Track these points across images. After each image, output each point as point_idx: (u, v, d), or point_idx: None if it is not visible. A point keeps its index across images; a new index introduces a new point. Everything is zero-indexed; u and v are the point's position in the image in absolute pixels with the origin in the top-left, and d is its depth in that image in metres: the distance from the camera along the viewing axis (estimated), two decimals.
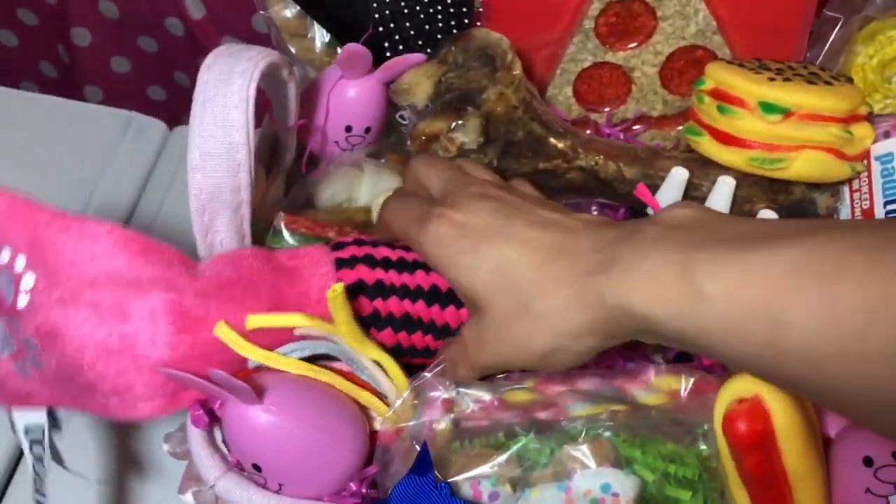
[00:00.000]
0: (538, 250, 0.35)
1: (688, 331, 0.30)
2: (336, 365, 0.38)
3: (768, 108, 0.43)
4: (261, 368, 0.35)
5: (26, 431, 0.36)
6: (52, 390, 0.36)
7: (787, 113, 0.43)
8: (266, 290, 0.35)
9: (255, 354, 0.35)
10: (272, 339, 0.36)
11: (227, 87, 0.35)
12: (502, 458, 0.35)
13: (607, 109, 0.53)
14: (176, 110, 0.88)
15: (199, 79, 0.36)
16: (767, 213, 0.45)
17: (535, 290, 0.34)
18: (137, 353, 0.33)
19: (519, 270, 0.35)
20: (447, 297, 0.40)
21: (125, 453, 0.50)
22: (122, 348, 0.33)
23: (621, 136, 0.53)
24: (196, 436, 0.36)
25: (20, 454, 0.49)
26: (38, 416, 0.37)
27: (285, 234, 0.41)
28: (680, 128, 0.51)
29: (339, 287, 0.34)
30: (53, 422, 0.37)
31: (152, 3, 0.86)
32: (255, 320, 0.35)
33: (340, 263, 0.38)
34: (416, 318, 0.39)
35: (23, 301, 0.34)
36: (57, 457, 0.38)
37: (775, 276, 0.28)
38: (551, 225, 0.36)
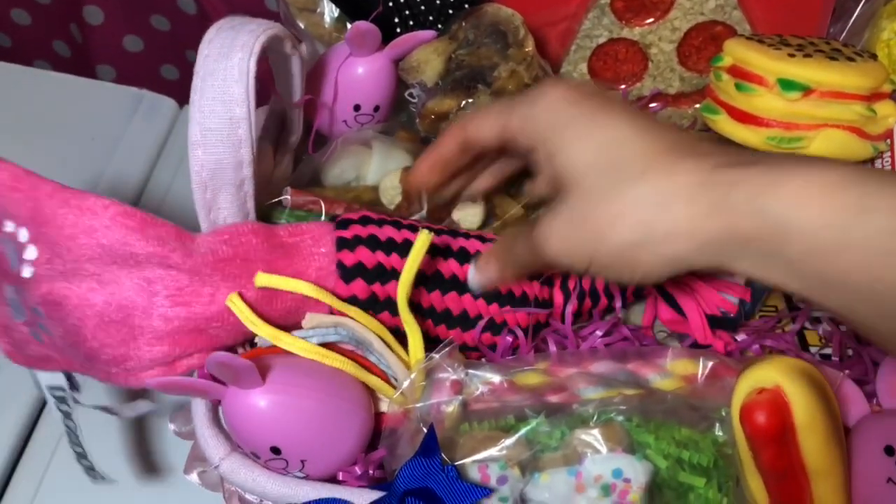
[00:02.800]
0: (660, 138, 0.32)
1: (829, 245, 0.27)
2: (345, 347, 0.37)
3: (788, 85, 0.42)
4: (260, 356, 0.35)
5: (51, 391, 0.38)
6: (64, 356, 0.37)
7: (807, 90, 0.42)
8: (261, 267, 0.35)
9: (263, 330, 0.35)
10: (277, 322, 0.36)
11: (227, 60, 0.34)
12: (511, 440, 0.34)
13: (623, 87, 0.52)
14: (189, 89, 0.87)
15: (199, 52, 0.35)
16: None
17: (641, 170, 0.31)
18: (134, 324, 0.34)
19: (631, 147, 0.32)
20: (450, 283, 0.39)
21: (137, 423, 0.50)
22: (120, 319, 0.34)
23: None
24: (200, 415, 0.36)
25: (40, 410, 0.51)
26: (59, 378, 0.38)
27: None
28: (697, 106, 0.50)
29: (425, 235, 0.35)
30: (71, 384, 0.38)
31: None
32: (265, 279, 0.35)
33: (342, 243, 0.37)
34: (416, 302, 0.38)
35: (27, 271, 0.34)
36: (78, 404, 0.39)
37: None
38: (679, 130, 0.33)
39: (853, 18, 0.48)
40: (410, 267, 0.35)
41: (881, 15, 0.46)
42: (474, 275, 0.39)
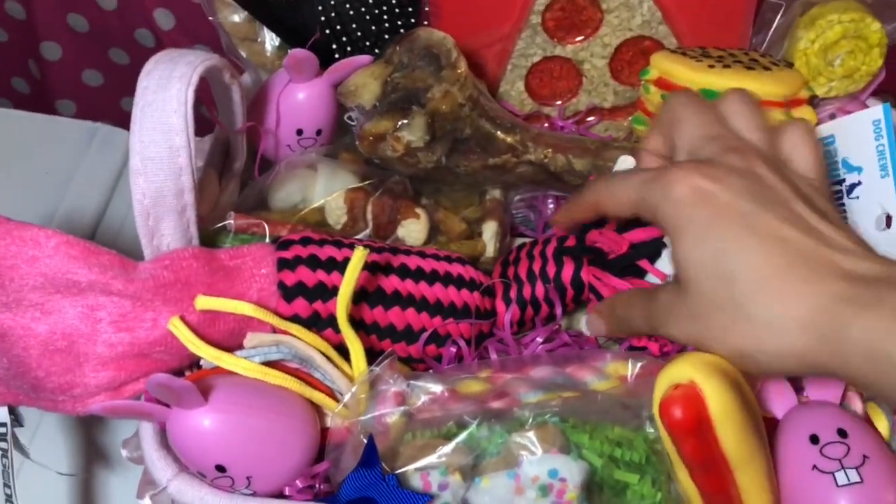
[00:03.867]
0: (779, 253, 0.31)
1: None
2: (289, 365, 0.38)
3: (710, 95, 0.44)
4: (204, 377, 0.36)
5: None
6: (9, 388, 0.37)
7: None
8: (202, 290, 0.36)
9: (205, 352, 0.36)
10: (220, 343, 0.37)
11: (165, 91, 0.36)
12: (448, 447, 0.35)
13: (560, 102, 0.54)
14: None
15: (138, 84, 0.36)
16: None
17: (757, 292, 0.31)
18: (79, 352, 0.34)
19: (746, 264, 0.31)
20: (392, 299, 0.40)
21: (96, 448, 0.50)
22: (64, 347, 0.34)
23: (575, 128, 0.54)
24: (148, 438, 0.37)
25: None
26: (2, 414, 0.38)
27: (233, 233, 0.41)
28: (630, 118, 0.52)
29: (361, 251, 0.36)
30: (15, 419, 0.39)
31: (122, 16, 0.86)
32: (205, 302, 0.36)
33: (283, 264, 0.38)
34: (359, 319, 0.39)
35: None
36: (21, 450, 0.39)
37: None
38: (806, 229, 0.32)
39: (772, 30, 0.50)
40: (348, 282, 0.36)
41: (797, 25, 0.48)
42: (586, 329, 0.42)
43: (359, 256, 0.36)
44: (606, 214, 0.39)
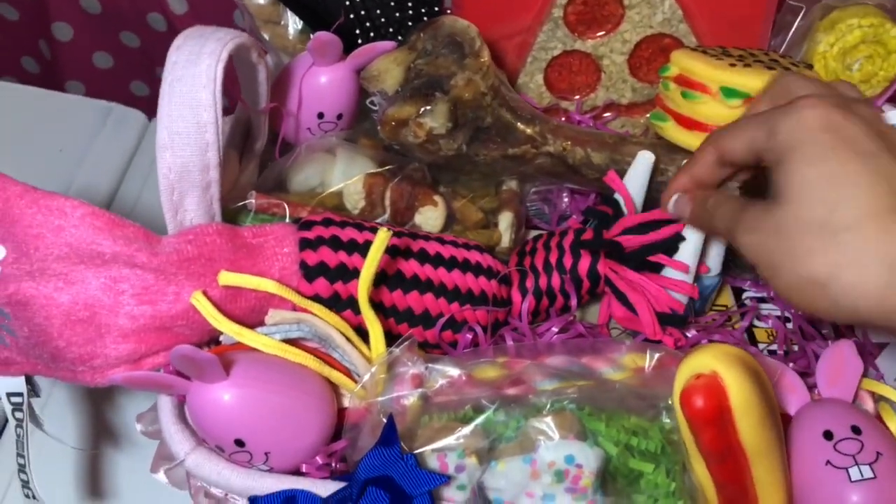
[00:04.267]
0: (888, 194, 0.31)
1: None
2: (308, 344, 0.39)
3: (729, 93, 0.44)
4: (224, 352, 0.36)
5: (9, 397, 0.38)
6: (28, 358, 0.37)
7: (747, 98, 0.44)
8: (225, 266, 0.36)
9: (227, 327, 0.36)
10: (241, 320, 0.37)
11: (195, 67, 0.36)
12: (467, 429, 0.35)
13: (577, 97, 0.54)
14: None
15: (167, 59, 0.36)
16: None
17: (856, 218, 0.31)
18: (101, 323, 0.34)
19: (855, 194, 0.31)
20: (411, 283, 0.40)
21: (105, 425, 0.50)
22: (86, 318, 0.34)
23: (591, 123, 0.54)
24: (166, 412, 0.37)
25: (6, 421, 0.50)
26: (18, 384, 0.38)
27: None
28: (648, 115, 0.52)
29: (384, 233, 0.36)
30: (32, 389, 0.39)
31: None
32: (228, 278, 0.36)
33: (305, 244, 0.38)
34: (378, 301, 0.39)
35: None
36: (36, 421, 0.39)
37: None
38: None
39: (791, 32, 0.50)
40: (370, 263, 0.37)
41: (817, 28, 0.49)
42: (671, 204, 0.41)
43: (382, 238, 0.37)
44: (727, 161, 0.38)
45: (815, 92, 0.36)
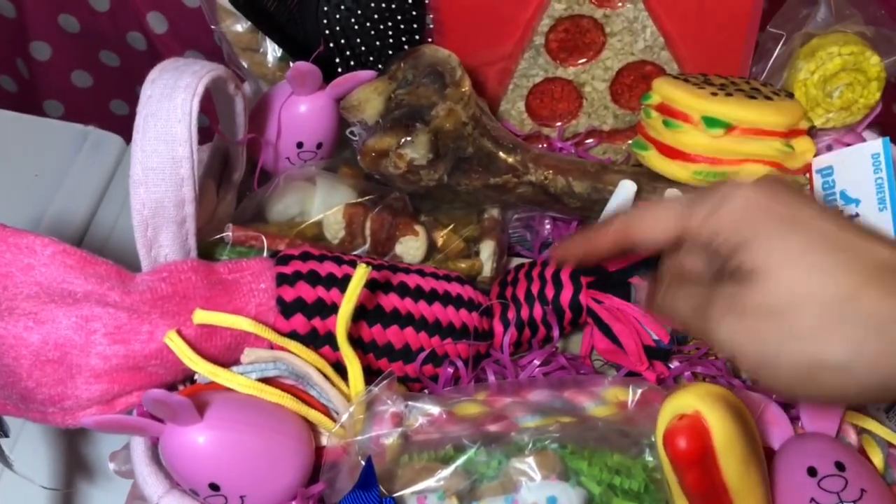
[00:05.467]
0: (866, 258, 0.28)
1: None
2: (285, 382, 0.38)
3: (711, 122, 0.44)
4: (199, 393, 0.35)
5: None
6: None
7: (729, 127, 0.44)
8: (200, 304, 0.35)
9: (202, 367, 0.35)
10: (217, 358, 0.36)
11: (170, 101, 0.35)
12: (447, 471, 0.35)
13: (559, 124, 0.54)
14: None
15: (142, 93, 0.36)
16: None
17: (850, 293, 0.28)
18: (72, 363, 0.34)
19: (836, 264, 0.28)
20: (390, 317, 0.40)
21: (78, 461, 0.49)
22: (57, 358, 0.34)
23: (573, 150, 0.54)
24: (139, 453, 0.36)
25: None
26: None
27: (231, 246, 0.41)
28: (630, 142, 0.52)
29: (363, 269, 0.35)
30: (1, 428, 0.38)
31: (114, 18, 0.86)
32: (203, 316, 0.35)
33: (282, 279, 0.38)
34: (357, 336, 0.39)
35: None
36: (5, 461, 0.38)
37: None
38: (886, 243, 0.29)
39: (772, 59, 0.50)
40: (349, 300, 0.36)
41: (798, 56, 0.49)
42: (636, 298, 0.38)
43: (360, 274, 0.36)
44: (636, 243, 0.34)
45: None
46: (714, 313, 0.30)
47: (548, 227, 0.53)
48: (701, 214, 0.31)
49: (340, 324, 0.36)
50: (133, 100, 0.95)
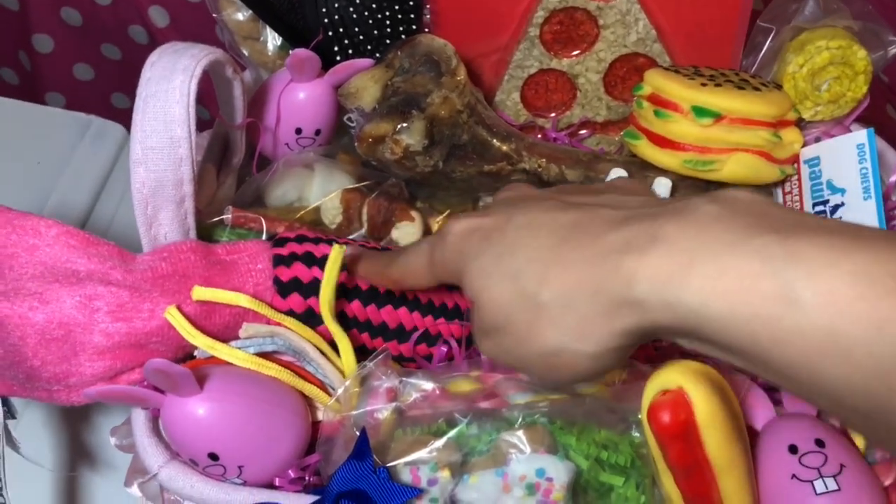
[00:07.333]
0: (549, 232, 0.29)
1: (759, 340, 0.24)
2: (282, 358, 0.39)
3: (700, 112, 0.45)
4: (198, 365, 0.36)
5: None
6: (3, 379, 0.37)
7: (718, 117, 0.45)
8: (199, 283, 0.36)
9: (200, 341, 0.36)
10: (216, 337, 0.37)
11: (168, 83, 0.36)
12: (439, 443, 0.36)
13: (554, 115, 0.55)
14: None
15: (142, 75, 0.37)
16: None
17: (539, 275, 0.28)
18: (76, 341, 0.34)
19: (523, 254, 0.29)
20: (385, 297, 0.41)
21: (79, 445, 0.50)
22: (61, 336, 0.34)
23: (567, 140, 0.55)
24: (140, 425, 0.37)
25: None
26: None
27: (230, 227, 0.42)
28: (623, 132, 0.53)
29: (338, 248, 0.36)
30: (8, 410, 0.38)
31: (116, 11, 0.87)
32: (202, 293, 0.36)
33: (278, 260, 0.39)
34: (352, 316, 0.40)
35: None
36: (12, 444, 0.39)
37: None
38: (574, 205, 0.30)
39: (762, 53, 0.51)
40: (328, 280, 0.37)
41: (787, 50, 0.50)
42: None
43: (335, 255, 0.37)
44: (413, 289, 0.38)
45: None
46: (475, 332, 0.32)
47: None
48: (433, 258, 0.33)
49: (324, 301, 0.37)
50: (134, 93, 0.96)
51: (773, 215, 0.26)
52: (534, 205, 0.31)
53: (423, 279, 0.35)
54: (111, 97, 0.94)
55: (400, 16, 0.50)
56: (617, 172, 0.47)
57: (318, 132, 0.50)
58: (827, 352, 0.23)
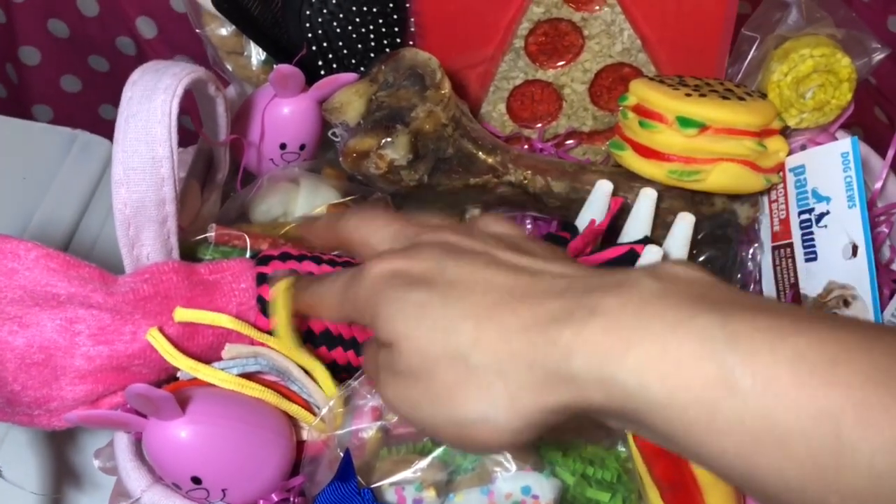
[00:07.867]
0: (485, 292, 0.27)
1: (697, 425, 0.23)
2: (266, 378, 0.39)
3: (685, 122, 0.45)
4: (181, 389, 0.36)
5: None
6: None
7: (702, 127, 0.45)
8: (181, 304, 0.36)
9: (182, 363, 0.36)
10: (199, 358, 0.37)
11: (150, 102, 0.36)
12: (424, 462, 0.35)
13: (540, 125, 0.55)
14: None
15: (123, 94, 0.37)
16: (687, 219, 0.46)
17: (472, 336, 0.26)
18: (57, 365, 0.34)
19: (456, 309, 0.27)
20: None
21: (64, 467, 0.50)
22: (42, 360, 0.34)
23: (553, 151, 0.55)
24: (122, 448, 0.37)
25: None
26: None
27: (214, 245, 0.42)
28: (608, 142, 0.53)
29: (283, 284, 0.35)
30: None
31: (103, 23, 0.86)
32: (184, 314, 0.36)
33: (262, 279, 0.38)
34: (337, 333, 0.39)
35: None
36: None
37: (843, 376, 0.22)
38: (513, 268, 0.28)
39: (747, 61, 0.51)
40: (280, 319, 0.36)
41: (772, 58, 0.50)
42: None
43: (282, 289, 0.36)
44: (322, 319, 0.37)
45: (386, 233, 0.33)
46: (378, 375, 0.30)
47: (528, 226, 0.53)
48: (347, 294, 0.31)
49: (283, 338, 0.36)
50: None
51: (715, 295, 0.25)
52: (467, 259, 0.29)
53: (332, 312, 0.33)
54: (99, 109, 0.94)
55: (384, 29, 0.49)
56: (602, 184, 0.47)
57: (302, 147, 0.50)
58: (763, 441, 0.22)
